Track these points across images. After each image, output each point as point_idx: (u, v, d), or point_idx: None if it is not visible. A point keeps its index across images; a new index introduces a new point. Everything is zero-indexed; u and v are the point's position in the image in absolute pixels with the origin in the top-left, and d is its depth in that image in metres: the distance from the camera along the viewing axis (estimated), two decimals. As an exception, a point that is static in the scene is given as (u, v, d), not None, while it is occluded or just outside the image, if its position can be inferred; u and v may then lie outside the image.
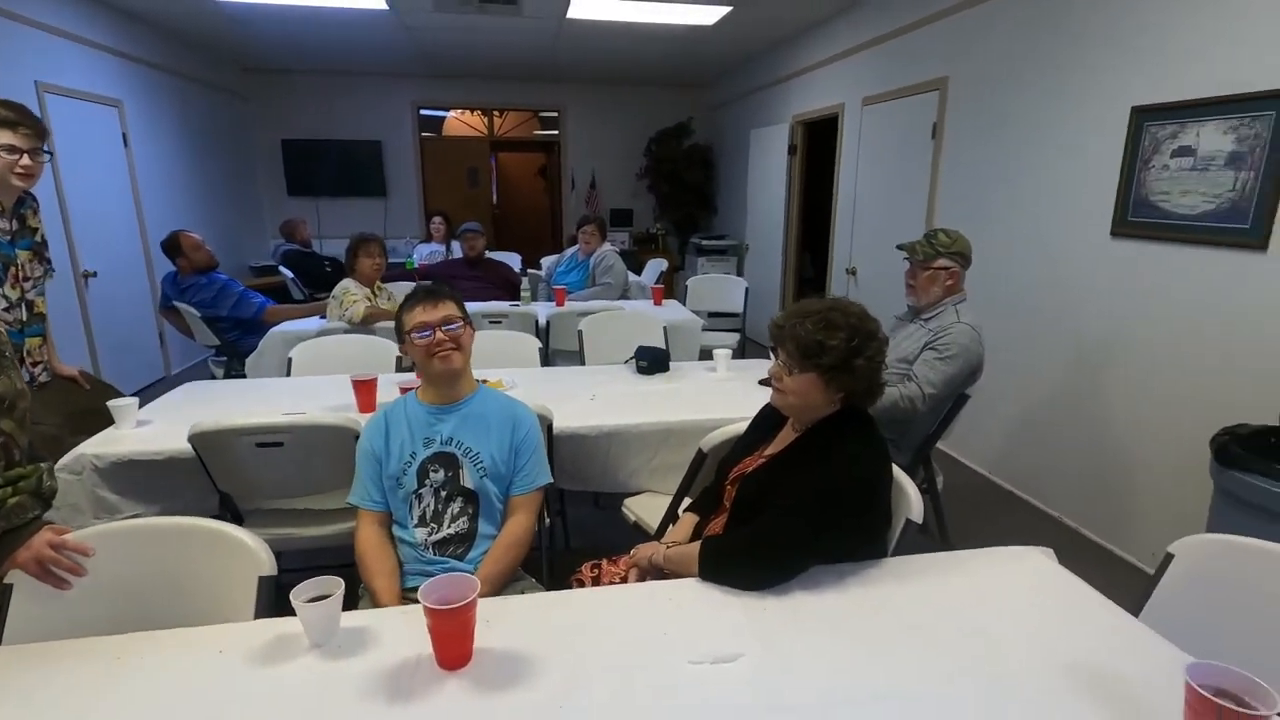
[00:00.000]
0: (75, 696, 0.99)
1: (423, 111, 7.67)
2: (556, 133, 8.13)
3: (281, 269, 5.32)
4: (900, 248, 2.41)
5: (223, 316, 3.72)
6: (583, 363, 3.26)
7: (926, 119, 3.82)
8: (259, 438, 1.83)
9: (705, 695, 0.99)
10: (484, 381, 1.76)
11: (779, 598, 1.22)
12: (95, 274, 4.37)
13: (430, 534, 1.55)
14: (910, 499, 1.42)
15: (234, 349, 3.77)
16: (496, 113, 8.29)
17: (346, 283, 3.29)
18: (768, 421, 1.58)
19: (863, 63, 4.53)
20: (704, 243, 6.93)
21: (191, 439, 1.81)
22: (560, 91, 7.79)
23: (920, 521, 1.42)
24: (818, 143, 5.67)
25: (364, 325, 3.14)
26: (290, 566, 1.38)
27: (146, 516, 2.00)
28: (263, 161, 7.24)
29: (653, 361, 2.68)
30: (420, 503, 1.56)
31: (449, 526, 1.56)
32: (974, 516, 3.15)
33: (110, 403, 2.04)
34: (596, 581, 1.55)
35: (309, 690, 1.00)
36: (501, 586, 1.53)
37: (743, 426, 1.79)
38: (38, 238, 2.19)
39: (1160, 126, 2.49)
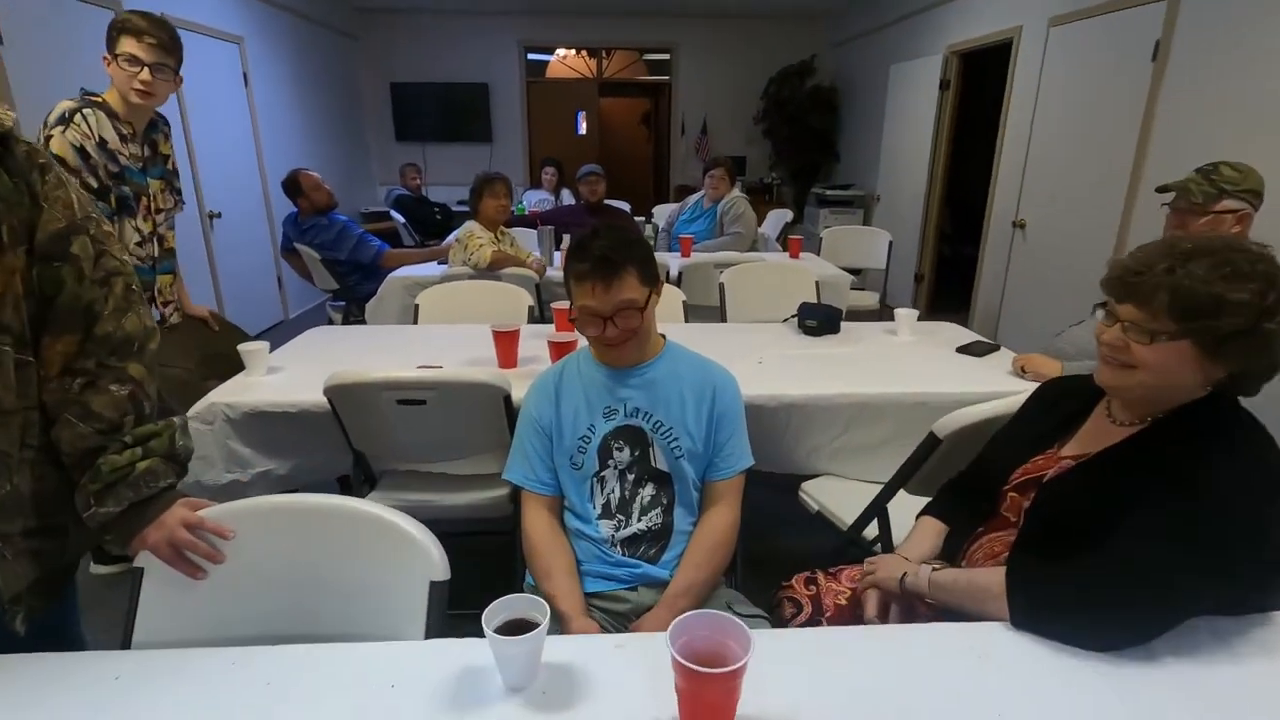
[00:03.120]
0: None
1: (529, 55, 7.35)
2: (665, 77, 7.64)
3: (393, 214, 5.20)
4: (1164, 189, 1.89)
5: (342, 260, 3.58)
6: (723, 319, 2.90)
7: (1145, 37, 3.14)
8: (401, 394, 1.59)
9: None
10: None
11: (1140, 664, 0.85)
12: (220, 215, 4.36)
13: (618, 528, 1.26)
14: (1297, 528, 1.00)
15: (352, 293, 3.65)
16: (604, 54, 7.86)
17: (470, 225, 3.04)
18: (1054, 409, 1.18)
19: (1052, -26, 3.82)
20: (828, 193, 6.35)
21: (328, 391, 1.59)
22: (672, 28, 7.26)
23: (1312, 560, 1.00)
24: (974, 78, 4.97)
25: (490, 270, 2.89)
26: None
27: (278, 472, 1.85)
28: (370, 105, 7.16)
29: (823, 321, 2.28)
30: (604, 488, 1.27)
31: (639, 520, 1.26)
32: None
33: (242, 346, 1.86)
34: (816, 603, 1.22)
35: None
36: (703, 600, 1.22)
37: (991, 408, 1.41)
38: (169, 165, 2.02)
39: None
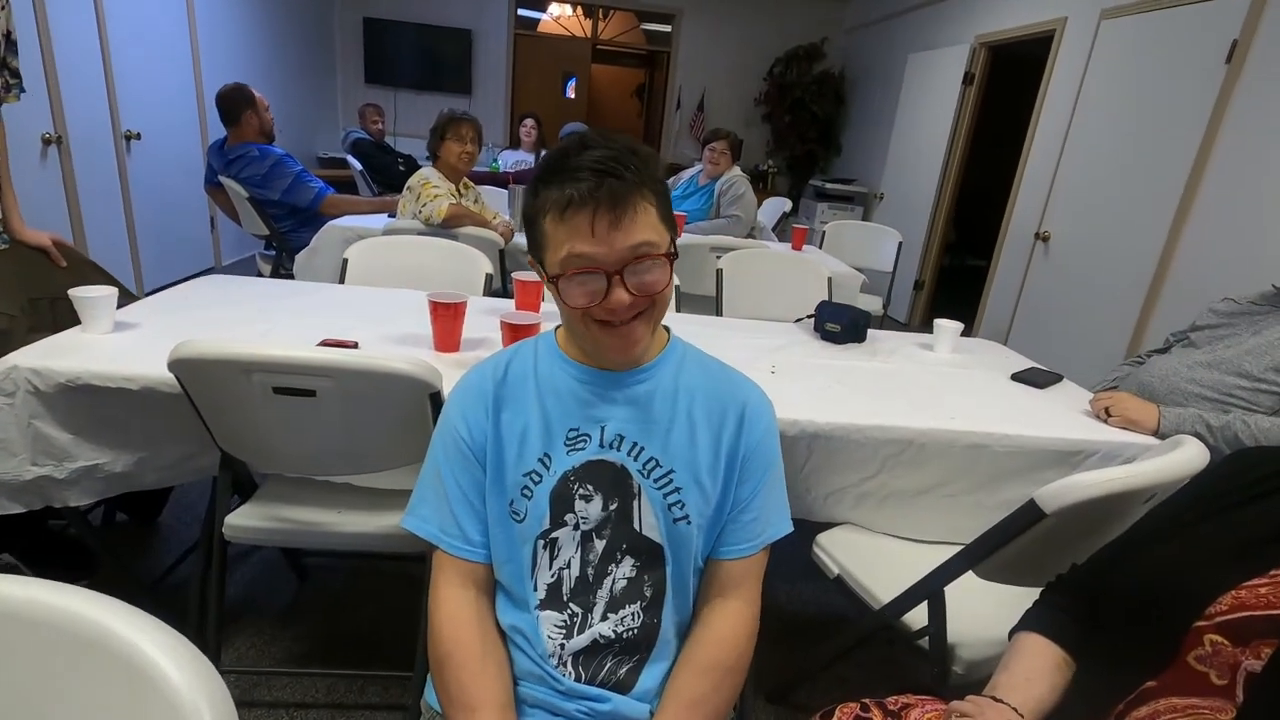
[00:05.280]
0: None
1: (520, 11, 6.75)
2: (664, 48, 7.11)
3: (350, 159, 4.62)
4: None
5: (274, 200, 3.03)
6: (718, 312, 2.46)
7: (1220, 35, 2.76)
8: (278, 379, 1.10)
9: None
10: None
11: None
12: (139, 136, 3.73)
13: (569, 628, 0.80)
14: None
15: (286, 242, 3.10)
16: (600, 14, 7.29)
17: (427, 172, 2.53)
18: (1269, 495, 0.76)
19: (1109, -39, 3.43)
20: (827, 186, 5.94)
21: (173, 365, 1.10)
22: (678, -7, 6.75)
23: None
24: (999, 75, 4.59)
25: (445, 227, 2.39)
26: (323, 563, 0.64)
27: (111, 469, 1.34)
28: (342, 42, 6.50)
29: (849, 326, 1.85)
30: (555, 558, 0.81)
31: (608, 617, 0.81)
32: None
33: (74, 292, 1.35)
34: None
35: None
36: None
37: (1130, 478, 0.98)
38: (2, 34, 1.48)
39: None
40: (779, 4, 6.77)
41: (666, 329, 0.90)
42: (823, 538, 1.45)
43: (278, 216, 3.10)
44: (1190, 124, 2.86)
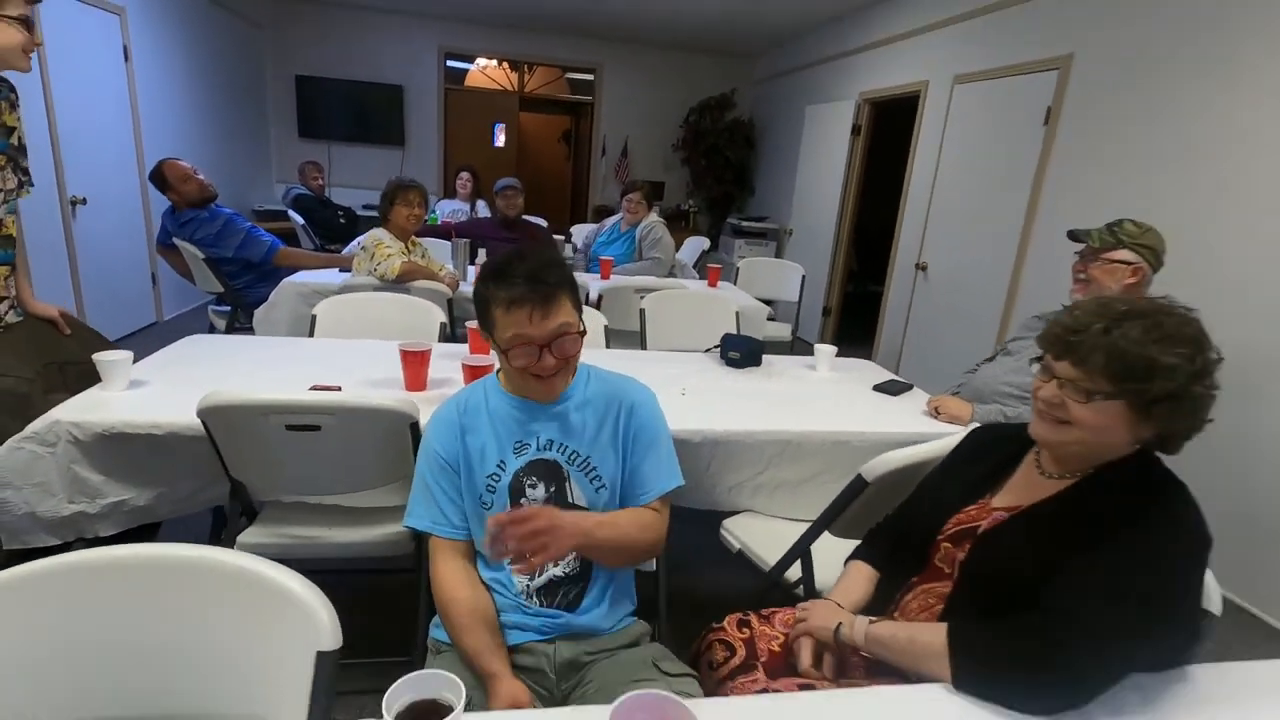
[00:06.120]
0: None
1: (448, 62, 7.13)
2: (587, 97, 7.61)
3: (292, 214, 4.84)
4: (1073, 235, 2.01)
5: (229, 258, 3.26)
6: (643, 346, 2.84)
7: (1039, 102, 3.40)
8: (291, 418, 1.41)
9: None
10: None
11: (1081, 730, 0.83)
12: (84, 201, 3.88)
13: (533, 575, 1.14)
14: (1207, 583, 1.04)
15: (241, 298, 3.32)
16: (526, 67, 7.75)
17: (379, 233, 2.84)
18: (985, 457, 1.18)
19: (957, 36, 4.08)
20: (743, 223, 6.49)
21: (202, 413, 1.39)
22: (598, 49, 7.27)
23: (1219, 613, 1.03)
24: (884, 124, 5.24)
25: (399, 282, 2.70)
26: (317, 569, 0.97)
27: (135, 503, 1.60)
28: (275, 97, 6.70)
29: (746, 354, 2.27)
30: None
31: (556, 565, 1.15)
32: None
33: (98, 356, 1.61)
34: (750, 647, 1.15)
35: None
36: (617, 543, 1.14)
37: (920, 452, 1.40)
38: (14, 139, 1.73)
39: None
40: (691, 58, 7.39)
41: None
42: (728, 522, 1.82)
43: (233, 273, 3.32)
44: (1024, 172, 3.47)
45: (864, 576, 1.21)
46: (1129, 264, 1.88)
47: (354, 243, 4.03)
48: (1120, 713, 0.86)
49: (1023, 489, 1.07)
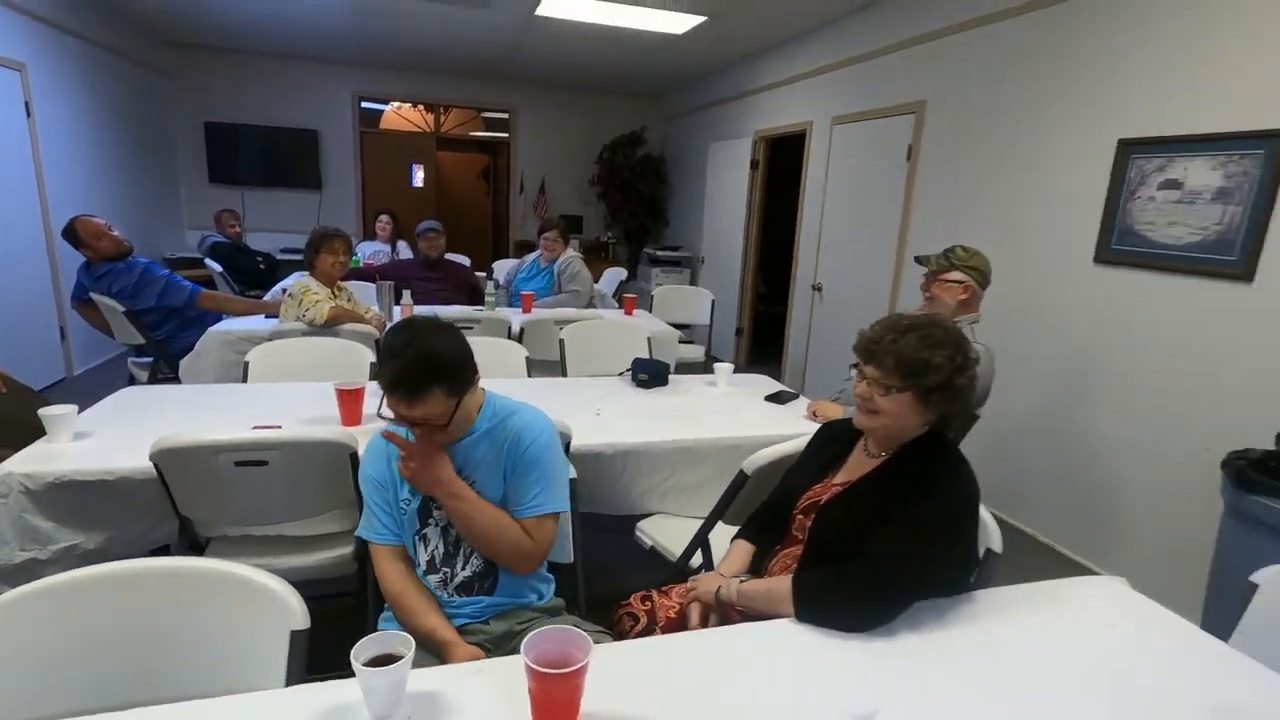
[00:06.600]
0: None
1: (363, 104, 7.25)
2: (504, 135, 7.88)
3: (209, 262, 4.84)
4: (918, 259, 2.40)
5: (150, 307, 3.30)
6: (564, 373, 3.08)
7: (901, 141, 3.88)
8: (240, 455, 1.57)
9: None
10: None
11: (888, 639, 1.12)
12: (-11, 259, 3.82)
13: (445, 581, 1.37)
14: (989, 527, 1.36)
15: (163, 348, 3.35)
16: (441, 108, 7.95)
17: (306, 280, 2.98)
18: (830, 445, 1.48)
19: (835, 81, 4.58)
20: (658, 253, 6.86)
21: (155, 456, 1.53)
22: (512, 92, 7.55)
23: (1000, 550, 1.35)
24: (781, 158, 5.72)
25: (328, 326, 2.85)
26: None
27: (85, 546, 1.71)
28: (183, 145, 6.63)
29: (654, 375, 2.54)
30: (427, 546, 1.38)
31: (465, 568, 1.38)
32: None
33: (44, 411, 1.72)
34: (651, 616, 1.40)
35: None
36: (464, 525, 1.33)
37: (785, 448, 1.70)
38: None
39: (1147, 160, 2.59)
40: (601, 98, 7.78)
41: (483, 389, 1.44)
42: (642, 524, 2.07)
43: (154, 323, 3.35)
44: (895, 202, 3.94)
45: (743, 551, 1.48)
46: (960, 283, 2.28)
47: (277, 287, 4.12)
48: (919, 628, 1.15)
49: (854, 467, 1.37)
